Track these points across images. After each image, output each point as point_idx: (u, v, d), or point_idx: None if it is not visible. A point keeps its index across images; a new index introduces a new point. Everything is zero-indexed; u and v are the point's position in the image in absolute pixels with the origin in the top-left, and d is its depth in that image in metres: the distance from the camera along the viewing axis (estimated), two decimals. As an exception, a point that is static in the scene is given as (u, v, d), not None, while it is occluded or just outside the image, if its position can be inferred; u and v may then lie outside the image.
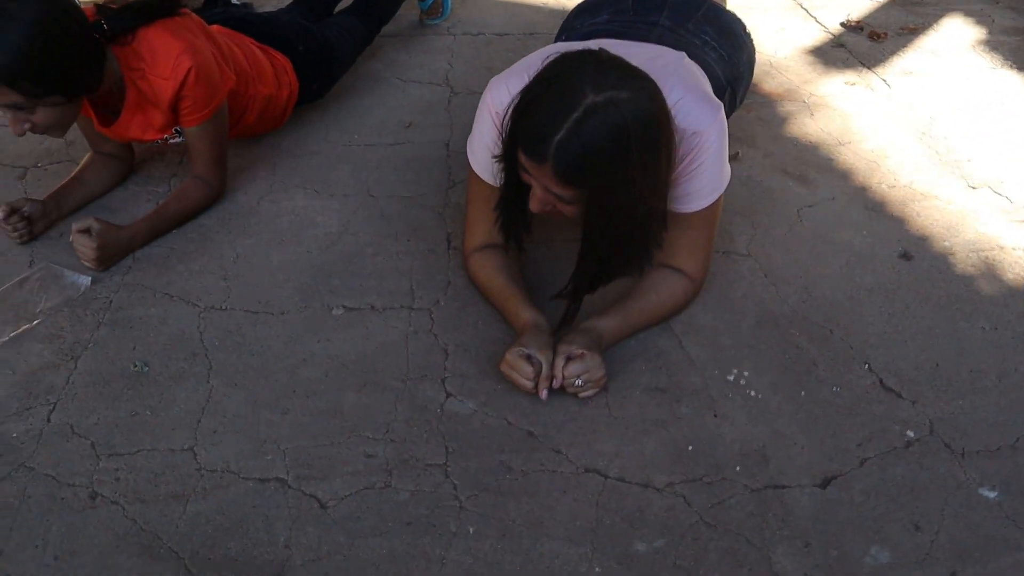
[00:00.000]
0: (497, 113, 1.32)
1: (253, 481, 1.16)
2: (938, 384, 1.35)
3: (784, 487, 1.16)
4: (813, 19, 2.91)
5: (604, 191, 1.11)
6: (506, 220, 1.31)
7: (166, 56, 1.51)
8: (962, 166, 1.99)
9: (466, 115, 2.14)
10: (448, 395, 1.30)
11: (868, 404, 1.30)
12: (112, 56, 1.51)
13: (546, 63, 1.14)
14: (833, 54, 2.63)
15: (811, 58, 2.59)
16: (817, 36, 2.76)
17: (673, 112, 1.23)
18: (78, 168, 1.78)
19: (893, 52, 2.67)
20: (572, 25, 1.71)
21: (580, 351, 1.25)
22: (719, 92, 1.55)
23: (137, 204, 1.78)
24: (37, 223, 1.64)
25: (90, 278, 1.53)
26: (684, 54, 1.41)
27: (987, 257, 1.66)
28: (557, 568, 1.07)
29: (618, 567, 1.07)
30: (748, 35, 1.76)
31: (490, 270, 1.43)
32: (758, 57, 2.40)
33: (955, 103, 2.29)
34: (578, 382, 1.25)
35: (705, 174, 1.28)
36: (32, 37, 1.32)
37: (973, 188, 1.90)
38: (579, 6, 1.75)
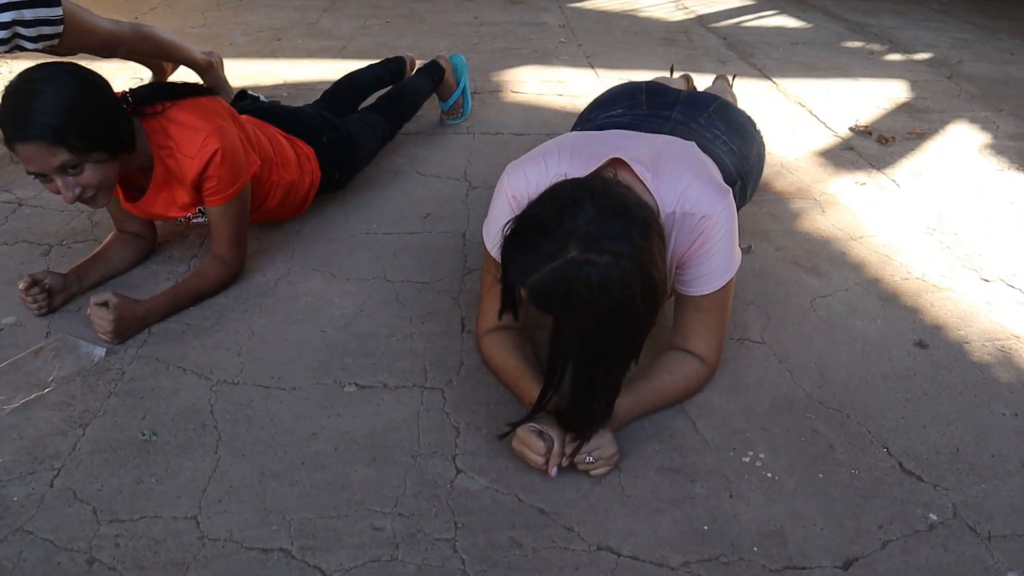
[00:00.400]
0: (514, 197, 1.35)
1: (256, 551, 1.13)
2: (960, 468, 1.31)
3: (804, 568, 1.12)
4: (822, 124, 3.00)
5: (567, 328, 1.10)
6: (502, 310, 1.29)
7: (194, 136, 1.58)
8: (973, 260, 2.00)
9: (483, 207, 2.18)
10: (459, 471, 1.28)
11: (888, 487, 1.26)
12: (141, 130, 1.58)
13: (552, 186, 1.15)
14: (843, 156, 2.70)
15: (821, 159, 2.65)
16: (827, 139, 2.84)
17: (683, 198, 1.26)
18: (101, 245, 1.83)
19: (901, 155, 2.73)
20: (588, 117, 1.78)
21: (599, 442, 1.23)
22: (730, 184, 1.58)
23: (157, 282, 1.82)
24: (57, 296, 1.68)
25: (105, 350, 1.55)
26: (694, 144, 1.46)
27: (1003, 346, 1.64)
28: (566, 650, 1.02)
29: (630, 649, 1.02)
30: (758, 131, 1.82)
31: (503, 350, 1.43)
32: (769, 158, 2.47)
33: (964, 202, 2.32)
34: (589, 459, 1.23)
35: (715, 257, 1.29)
36: (72, 95, 1.40)
37: (986, 281, 1.91)
38: (595, 100, 1.82)
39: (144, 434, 1.33)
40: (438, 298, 1.76)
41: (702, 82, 2.76)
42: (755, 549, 1.15)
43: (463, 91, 2.81)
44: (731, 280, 1.34)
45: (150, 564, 1.10)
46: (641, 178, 1.27)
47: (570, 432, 1.21)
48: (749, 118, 1.83)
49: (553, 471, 1.23)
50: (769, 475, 1.28)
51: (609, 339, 1.08)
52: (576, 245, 1.03)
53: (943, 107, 3.26)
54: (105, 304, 1.54)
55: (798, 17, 4.96)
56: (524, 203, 1.33)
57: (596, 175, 1.22)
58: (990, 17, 5.22)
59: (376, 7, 4.81)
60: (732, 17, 4.91)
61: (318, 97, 2.43)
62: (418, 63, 2.79)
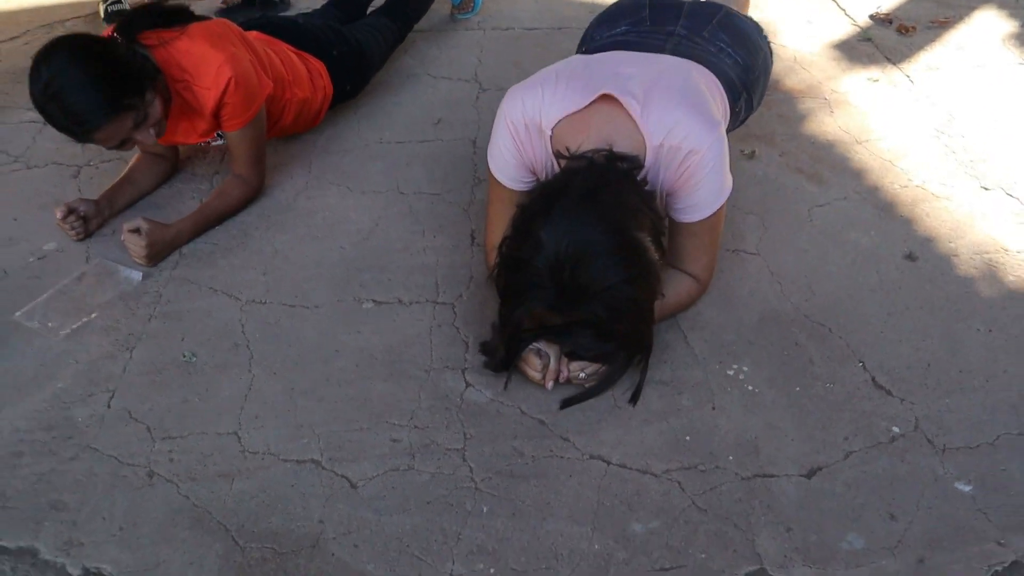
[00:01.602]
0: (512, 123, 1.42)
1: (291, 463, 1.29)
2: (928, 383, 1.42)
3: (772, 476, 1.26)
4: (842, 11, 2.93)
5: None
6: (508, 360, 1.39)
7: (207, 67, 1.63)
8: (977, 166, 2.04)
9: (492, 112, 2.23)
10: (468, 385, 1.42)
11: (859, 401, 1.38)
12: (153, 62, 1.63)
13: (507, 257, 1.27)
14: (859, 49, 2.66)
15: (836, 53, 2.62)
16: (845, 30, 2.79)
17: (670, 132, 1.32)
18: (127, 168, 1.91)
19: (920, 47, 2.69)
20: (592, 36, 1.79)
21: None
22: (734, 97, 1.62)
23: (182, 201, 1.92)
24: (91, 221, 1.79)
25: (141, 273, 1.67)
26: (691, 68, 1.49)
27: (990, 259, 1.72)
28: (560, 545, 1.19)
29: (615, 545, 1.18)
30: (765, 38, 1.82)
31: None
32: (782, 51, 2.45)
33: (977, 101, 2.32)
34: (582, 375, 1.36)
35: (703, 188, 1.36)
36: (86, 72, 1.47)
37: (986, 189, 1.95)
38: (599, 16, 1.83)
39: (185, 355, 1.48)
40: (449, 210, 1.85)
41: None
42: (730, 458, 1.29)
43: (475, -17, 2.78)
44: (721, 206, 1.41)
45: (201, 476, 1.26)
46: (630, 112, 1.33)
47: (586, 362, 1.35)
48: (756, 26, 1.83)
49: (549, 385, 1.37)
50: (750, 388, 1.41)
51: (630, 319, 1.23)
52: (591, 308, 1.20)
53: (971, -13, 3.15)
54: (137, 230, 1.65)
55: None
56: (521, 130, 1.40)
57: (557, 198, 1.26)
58: None
59: None
60: None
61: (327, -1, 2.43)
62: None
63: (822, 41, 2.70)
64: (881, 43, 2.69)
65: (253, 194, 1.86)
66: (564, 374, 1.36)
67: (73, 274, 1.69)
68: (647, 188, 1.34)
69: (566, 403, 1.36)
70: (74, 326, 1.57)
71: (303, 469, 1.28)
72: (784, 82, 2.42)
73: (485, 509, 1.24)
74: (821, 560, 1.16)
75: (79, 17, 2.93)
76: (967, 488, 1.24)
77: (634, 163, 1.31)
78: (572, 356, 1.35)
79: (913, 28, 2.81)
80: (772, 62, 1.87)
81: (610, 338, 1.25)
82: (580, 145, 1.32)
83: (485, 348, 1.44)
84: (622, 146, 1.32)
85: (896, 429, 1.33)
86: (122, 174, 1.90)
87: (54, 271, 1.72)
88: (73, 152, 2.09)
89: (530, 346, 1.36)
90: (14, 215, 1.90)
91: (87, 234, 1.79)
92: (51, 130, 2.17)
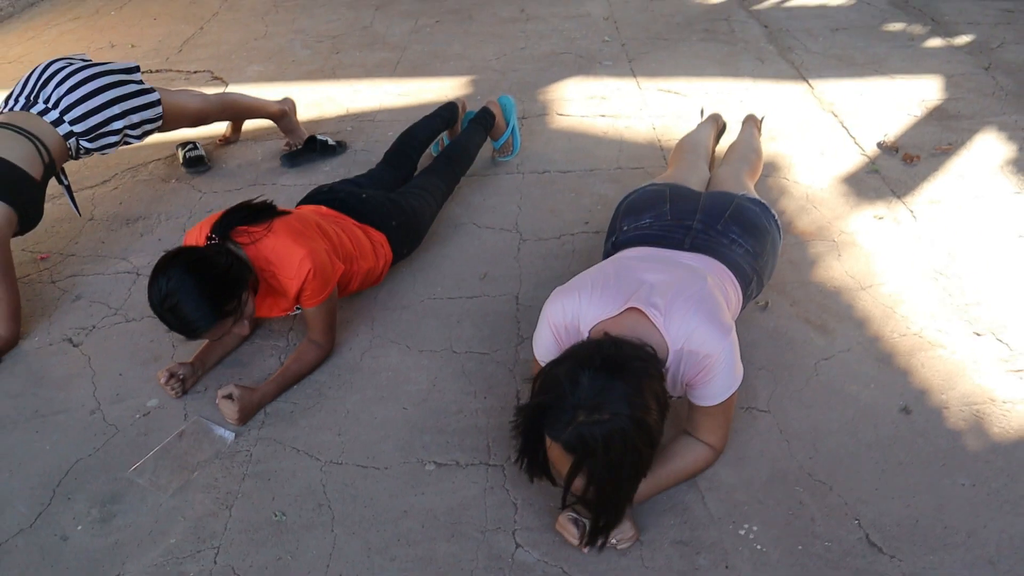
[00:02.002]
0: (554, 324, 1.69)
1: (369, 620, 1.54)
2: (916, 539, 1.63)
3: (777, 636, 1.48)
4: (852, 139, 3.19)
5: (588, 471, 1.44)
6: (529, 463, 1.59)
7: (291, 260, 1.94)
8: (971, 309, 2.25)
9: (533, 263, 2.52)
10: (517, 546, 1.66)
11: (853, 559, 1.60)
12: (245, 257, 1.95)
13: (551, 369, 1.49)
14: (866, 181, 2.91)
15: (845, 188, 2.87)
16: (854, 160, 3.04)
17: (688, 339, 1.57)
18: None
19: (924, 177, 2.93)
20: (619, 226, 2.05)
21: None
22: (745, 283, 1.88)
23: (263, 358, 2.22)
24: (188, 380, 2.09)
25: (233, 434, 1.96)
26: (708, 272, 1.75)
27: (978, 411, 1.93)
28: None
29: None
30: (773, 218, 2.07)
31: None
32: (795, 189, 2.73)
33: (974, 237, 2.54)
34: (613, 541, 1.60)
35: (716, 382, 1.61)
36: (201, 289, 1.79)
37: (978, 335, 2.16)
38: (626, 207, 2.09)
39: (276, 515, 1.75)
40: (497, 370, 2.11)
41: (732, 121, 2.99)
42: (743, 616, 1.51)
43: (512, 131, 3.09)
44: (733, 392, 1.66)
45: (296, 636, 1.52)
46: (654, 322, 1.59)
47: (595, 536, 1.58)
48: (763, 209, 2.06)
49: (586, 550, 1.60)
50: (759, 547, 1.63)
51: (620, 474, 1.44)
52: (583, 412, 1.38)
53: (974, 111, 3.40)
54: (230, 396, 1.95)
55: (843, -10, 4.97)
56: (561, 330, 1.67)
57: (594, 345, 1.52)
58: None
59: (425, 1, 5.01)
60: (776, -7, 4.96)
61: (380, 159, 2.74)
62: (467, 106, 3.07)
63: (833, 174, 2.96)
64: (887, 175, 2.94)
65: (326, 356, 2.15)
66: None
67: (174, 432, 1.98)
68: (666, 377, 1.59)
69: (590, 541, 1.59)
70: (180, 484, 1.85)
71: (380, 627, 1.53)
72: (796, 224, 2.67)
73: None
74: None
75: (159, 159, 3.31)
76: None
77: (659, 360, 1.56)
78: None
79: (917, 157, 3.06)
80: (781, 237, 2.11)
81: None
82: None
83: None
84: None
85: (886, 588, 1.54)
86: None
87: (158, 428, 2.01)
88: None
89: (569, 515, 1.60)
90: (119, 370, 2.21)
91: (184, 392, 2.09)
92: (145, 281, 2.52)
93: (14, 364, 2.25)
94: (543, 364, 1.73)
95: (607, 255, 2.04)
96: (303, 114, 3.52)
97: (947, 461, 1.80)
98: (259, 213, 2.01)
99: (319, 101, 3.71)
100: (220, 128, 3.32)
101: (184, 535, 1.73)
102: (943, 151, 3.10)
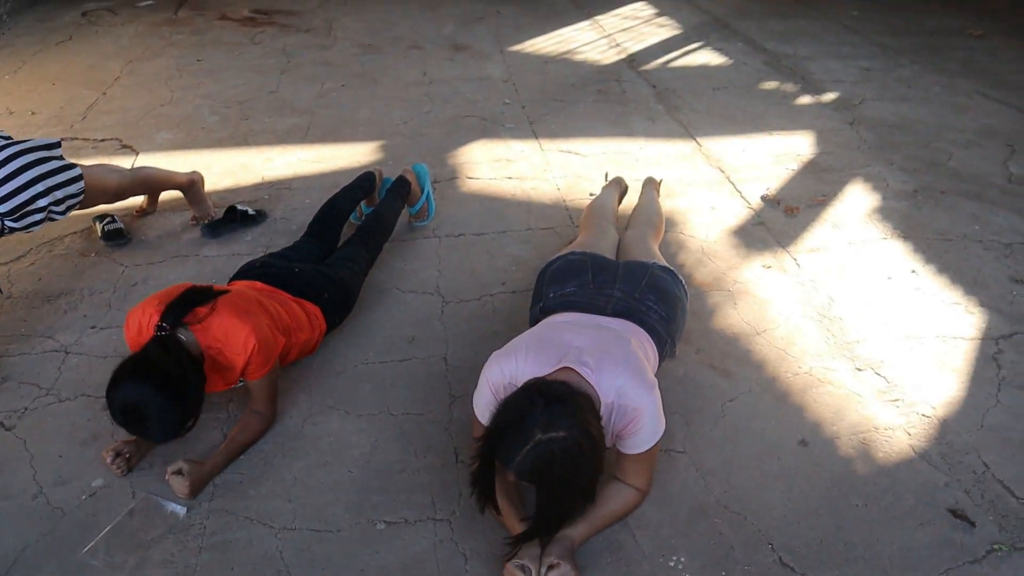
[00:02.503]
0: (493, 385, 1.85)
1: None
2: (821, 557, 1.86)
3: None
4: (739, 193, 3.51)
5: (547, 492, 1.66)
6: (480, 492, 1.77)
7: (236, 337, 2.03)
8: (852, 348, 2.55)
9: (457, 325, 2.68)
10: (468, 595, 1.79)
11: (770, 581, 1.81)
12: (193, 338, 2.03)
13: (508, 399, 1.69)
14: (754, 233, 3.21)
15: (735, 240, 3.17)
16: (741, 214, 3.35)
17: (618, 394, 1.77)
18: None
19: (804, 227, 3.26)
20: (544, 293, 2.24)
21: (557, 561, 1.75)
22: (660, 344, 2.10)
23: (206, 430, 2.27)
24: (132, 458, 2.13)
25: (185, 507, 2.02)
26: (630, 334, 1.95)
27: (864, 439, 2.19)
28: None
29: None
30: (682, 285, 2.30)
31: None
32: (691, 243, 2.99)
33: (850, 280, 2.87)
34: (554, 583, 1.76)
35: (643, 432, 1.80)
36: (167, 401, 1.90)
37: (859, 370, 2.45)
38: (550, 276, 2.27)
39: (237, 585, 1.82)
40: (433, 430, 2.25)
41: (635, 180, 3.25)
42: (678, 642, 1.69)
43: (427, 197, 3.26)
44: (656, 443, 1.85)
45: None
46: (587, 379, 1.77)
47: (539, 538, 1.75)
48: (674, 277, 2.29)
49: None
50: (688, 576, 1.82)
51: (573, 486, 1.61)
52: (539, 431, 1.57)
53: (843, 163, 3.80)
54: (179, 471, 2.01)
55: (721, 51, 5.43)
56: (500, 389, 1.83)
57: (541, 381, 1.72)
58: (897, 33, 5.74)
59: (329, 66, 5.15)
60: (661, 54, 5.36)
61: (299, 228, 2.86)
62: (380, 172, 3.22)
63: (723, 227, 3.26)
64: (772, 226, 3.26)
65: (270, 425, 2.23)
66: (545, 584, 1.75)
67: (124, 510, 2.02)
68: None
69: None
70: (135, 562, 1.89)
71: None
72: (695, 276, 2.93)
73: None
74: None
75: (76, 233, 3.29)
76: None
77: (597, 402, 1.75)
78: (550, 570, 1.75)
79: (797, 209, 3.40)
80: (688, 302, 2.35)
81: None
82: None
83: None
84: None
85: (798, 605, 1.75)
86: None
87: (106, 508, 2.03)
88: (98, 382, 2.43)
89: (516, 563, 1.75)
90: (58, 452, 2.22)
91: (129, 469, 2.13)
92: (74, 359, 2.53)
93: (-58, 452, 2.23)
94: (483, 422, 1.89)
95: (535, 319, 2.22)
96: (218, 183, 3.59)
97: (842, 486, 2.05)
98: (203, 295, 2.09)
99: (233, 169, 3.77)
100: (136, 200, 3.34)
101: (143, 614, 1.77)
102: (818, 202, 3.47)
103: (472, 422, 1.99)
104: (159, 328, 1.98)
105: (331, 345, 2.57)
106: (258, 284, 2.36)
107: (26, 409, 2.36)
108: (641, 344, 1.97)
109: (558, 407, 1.62)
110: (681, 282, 2.29)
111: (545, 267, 2.34)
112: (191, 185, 3.24)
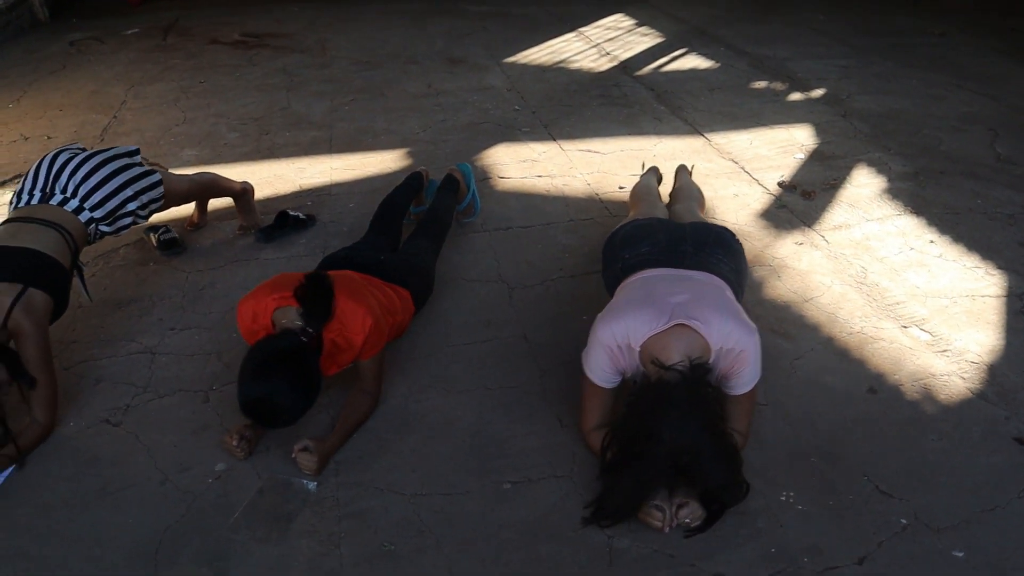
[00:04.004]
0: (607, 346, 2.00)
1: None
2: (913, 484, 2.06)
3: (836, 567, 1.84)
4: (756, 181, 3.74)
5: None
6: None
7: (354, 318, 2.15)
8: (894, 309, 2.77)
9: (527, 308, 2.83)
10: (610, 537, 1.93)
11: (873, 503, 1.99)
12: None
13: (644, 400, 1.88)
14: (779, 216, 3.44)
15: (764, 222, 3.39)
16: (763, 199, 3.58)
17: (726, 339, 1.94)
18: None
19: (823, 208, 3.50)
20: (620, 256, 2.40)
21: (685, 500, 1.92)
22: (738, 294, 2.28)
23: (313, 413, 2.37)
24: (252, 442, 2.23)
25: (315, 483, 2.12)
26: (726, 286, 2.13)
27: (925, 384, 2.41)
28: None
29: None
30: (740, 245, 2.50)
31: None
32: (727, 225, 3.17)
33: (877, 252, 3.10)
34: (687, 520, 1.91)
35: (745, 372, 1.98)
36: (300, 392, 2.00)
37: (905, 328, 2.68)
38: (620, 240, 2.44)
39: (385, 545, 1.94)
40: (532, 400, 2.39)
41: (667, 168, 3.45)
42: (805, 559, 1.86)
43: (473, 194, 3.42)
44: (756, 384, 2.04)
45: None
46: (699, 331, 1.94)
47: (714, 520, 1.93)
48: (732, 234, 2.50)
49: (666, 530, 1.91)
50: (800, 507, 2.00)
51: (723, 479, 1.84)
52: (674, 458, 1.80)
53: (844, 151, 4.07)
54: (306, 448, 2.11)
55: (706, 55, 5.71)
56: (615, 349, 1.99)
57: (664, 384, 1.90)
58: (864, 35, 6.11)
59: (332, 82, 5.27)
60: (649, 61, 5.62)
61: (367, 229, 2.98)
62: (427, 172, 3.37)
63: (750, 211, 3.47)
64: (794, 209, 3.49)
65: (377, 403, 2.35)
66: (675, 522, 1.91)
67: (253, 489, 2.11)
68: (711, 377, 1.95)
69: (689, 535, 1.91)
70: (277, 534, 1.99)
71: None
72: (737, 254, 3.13)
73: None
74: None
75: (128, 245, 3.35)
76: (960, 554, 1.85)
77: (707, 367, 1.92)
78: (679, 508, 1.91)
79: (814, 192, 3.64)
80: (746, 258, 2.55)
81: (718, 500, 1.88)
82: (669, 356, 1.91)
83: (599, 514, 1.95)
84: (695, 354, 1.93)
85: (904, 520, 1.95)
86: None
87: (235, 488, 2.12)
88: (191, 377, 2.52)
89: (652, 504, 1.90)
90: (172, 442, 2.29)
91: (250, 453, 2.22)
92: (163, 359, 2.61)
93: (56, 449, 2.28)
94: (597, 383, 2.05)
95: (614, 281, 2.37)
96: (258, 192, 3.68)
97: (915, 425, 2.26)
98: (326, 286, 2.18)
99: (268, 180, 3.87)
100: (187, 209, 3.43)
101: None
102: (831, 185, 3.71)
103: (584, 383, 2.13)
104: (305, 333, 2.07)
105: (413, 331, 2.70)
106: (350, 272, 2.47)
107: (128, 406, 2.43)
108: (731, 295, 2.16)
109: (689, 421, 1.81)
110: (739, 243, 2.47)
111: (612, 234, 2.50)
112: (243, 193, 3.34)
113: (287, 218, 3.38)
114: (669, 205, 3.02)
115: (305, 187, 3.80)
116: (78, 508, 2.09)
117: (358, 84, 5.24)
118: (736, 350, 1.95)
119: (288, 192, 3.76)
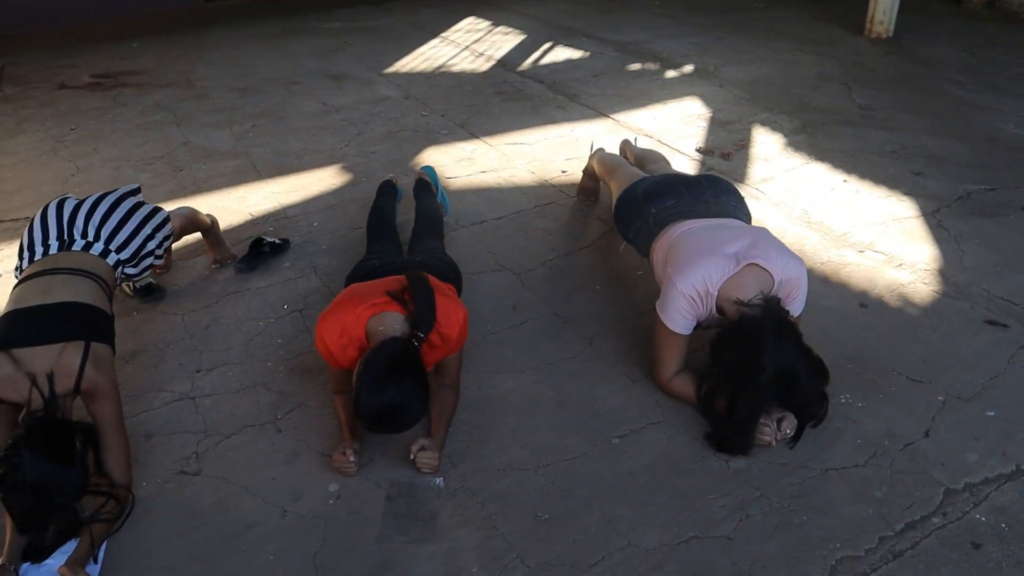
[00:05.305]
0: (688, 295, 2.26)
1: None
2: (932, 369, 2.48)
3: (911, 443, 2.21)
4: (676, 151, 4.14)
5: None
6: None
7: (449, 313, 2.25)
8: (846, 239, 3.24)
9: (542, 288, 3.02)
10: (726, 460, 2.19)
11: (908, 391, 2.40)
12: None
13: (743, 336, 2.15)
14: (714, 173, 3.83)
15: (704, 184, 3.76)
16: (690, 165, 3.98)
17: (785, 270, 2.26)
18: (341, 408, 2.36)
19: (744, 165, 3.95)
20: (646, 210, 2.65)
21: (784, 413, 2.22)
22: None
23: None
24: (359, 456, 2.26)
25: (442, 479, 2.21)
26: (765, 228, 2.45)
27: (900, 292, 2.87)
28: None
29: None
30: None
31: (690, 383, 2.34)
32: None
33: (807, 196, 3.58)
34: (788, 432, 2.22)
35: (801, 296, 2.31)
36: (423, 396, 2.09)
37: (862, 252, 3.14)
38: (643, 194, 2.68)
39: (539, 515, 2.08)
40: (595, 366, 2.60)
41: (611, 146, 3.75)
42: (886, 443, 2.22)
43: (442, 195, 3.55)
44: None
45: None
46: (767, 268, 2.25)
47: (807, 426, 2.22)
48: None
49: (774, 443, 2.20)
50: (860, 405, 2.36)
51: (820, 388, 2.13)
52: (768, 359, 2.09)
53: (737, 116, 4.57)
54: (423, 448, 2.20)
55: (573, 46, 6.09)
56: (696, 296, 2.25)
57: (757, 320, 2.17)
58: (700, 14, 6.74)
59: (221, 111, 5.07)
60: (524, 57, 5.91)
61: (368, 240, 3.05)
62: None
63: (690, 171, 3.84)
64: (721, 169, 3.91)
65: (459, 396, 2.46)
66: (780, 434, 2.21)
67: (381, 499, 2.16)
68: None
69: (792, 445, 2.21)
70: (430, 533, 2.05)
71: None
72: (698, 214, 3.48)
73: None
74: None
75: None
76: (991, 413, 2.29)
77: (778, 296, 2.23)
78: (779, 423, 2.21)
79: (730, 154, 4.09)
80: None
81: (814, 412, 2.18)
82: (746, 293, 2.20)
83: (725, 446, 2.20)
84: (765, 288, 2.23)
85: (940, 398, 2.36)
86: (342, 414, 2.36)
87: (361, 503, 2.15)
88: (247, 414, 2.47)
89: (764, 420, 2.19)
90: (270, 476, 2.25)
91: (358, 468, 2.26)
92: (206, 401, 2.56)
93: (146, 513, 2.16)
94: (677, 331, 2.30)
95: (646, 236, 2.60)
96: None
97: (908, 325, 2.70)
98: (426, 287, 2.25)
99: (214, 212, 3.72)
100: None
101: (480, 563, 1.94)
102: (741, 146, 4.18)
103: (658, 335, 2.37)
104: (416, 337, 2.15)
105: (453, 326, 2.81)
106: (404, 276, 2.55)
107: (197, 454, 2.37)
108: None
109: (786, 346, 2.12)
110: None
111: (631, 188, 2.75)
112: (213, 225, 3.27)
113: (263, 243, 3.34)
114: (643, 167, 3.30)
115: (256, 214, 3.74)
116: (209, 560, 2.01)
117: (249, 110, 5.12)
118: (793, 278, 2.28)
119: (241, 222, 3.68)
